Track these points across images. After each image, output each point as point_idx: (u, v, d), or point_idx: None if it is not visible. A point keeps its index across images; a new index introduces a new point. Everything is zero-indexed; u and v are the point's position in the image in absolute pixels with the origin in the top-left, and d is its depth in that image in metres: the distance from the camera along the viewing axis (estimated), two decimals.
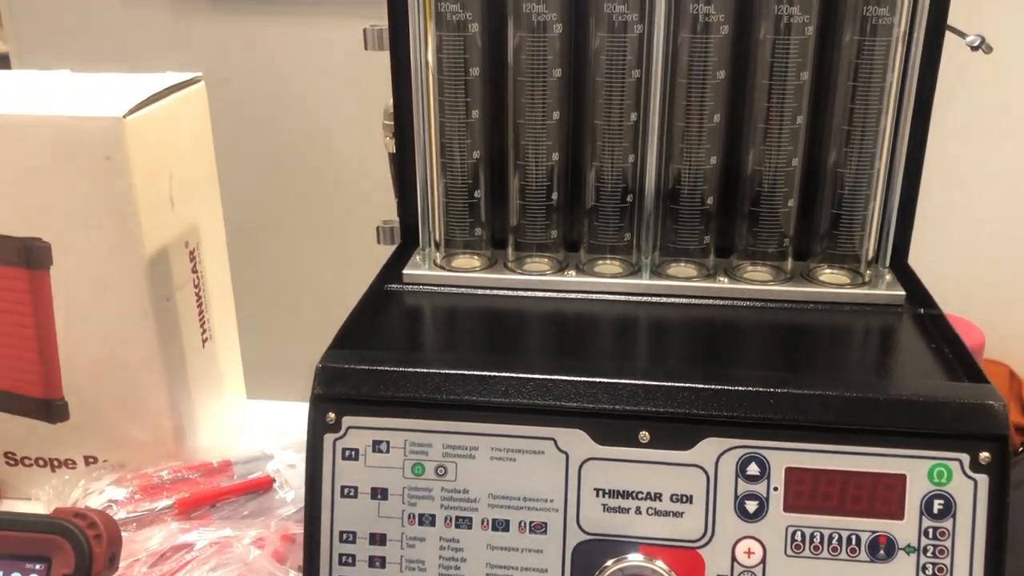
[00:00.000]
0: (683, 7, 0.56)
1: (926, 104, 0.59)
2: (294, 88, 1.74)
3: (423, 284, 0.62)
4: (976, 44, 0.57)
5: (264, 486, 0.75)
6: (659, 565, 0.48)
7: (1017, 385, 1.74)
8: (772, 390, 0.48)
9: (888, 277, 0.61)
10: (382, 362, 0.50)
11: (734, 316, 0.60)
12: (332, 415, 0.50)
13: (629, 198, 0.61)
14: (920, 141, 0.60)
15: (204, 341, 0.84)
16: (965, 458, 0.47)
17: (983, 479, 0.46)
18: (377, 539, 0.50)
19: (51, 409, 0.77)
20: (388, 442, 0.50)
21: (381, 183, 0.74)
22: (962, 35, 0.58)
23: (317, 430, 0.50)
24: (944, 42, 0.59)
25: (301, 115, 1.76)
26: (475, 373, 0.50)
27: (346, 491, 0.50)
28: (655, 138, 0.58)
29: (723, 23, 0.56)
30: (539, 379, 0.49)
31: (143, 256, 0.71)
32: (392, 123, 0.66)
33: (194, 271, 0.81)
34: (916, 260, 0.65)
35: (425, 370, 0.50)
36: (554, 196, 0.61)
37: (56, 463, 0.80)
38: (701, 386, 0.48)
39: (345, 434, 0.50)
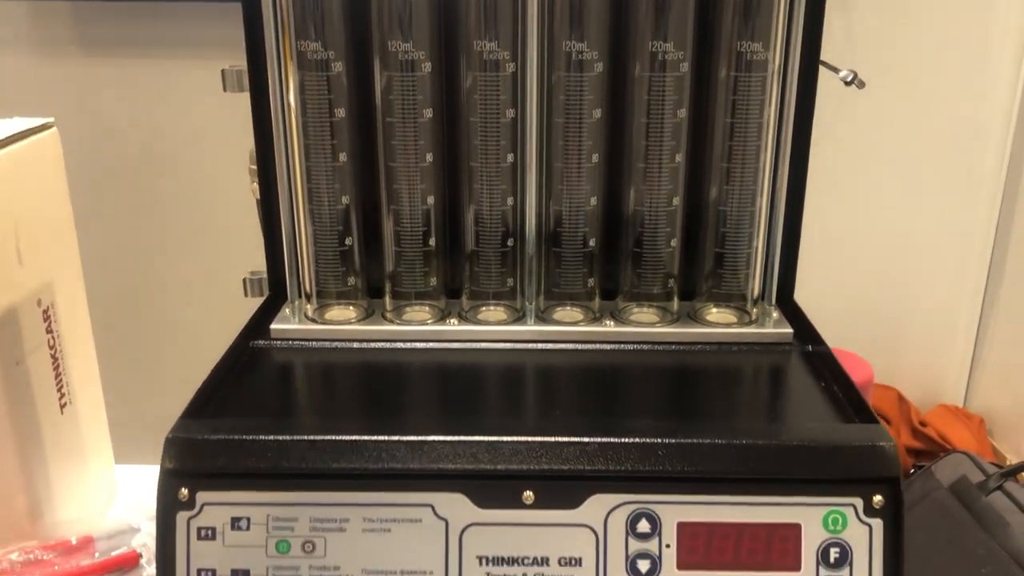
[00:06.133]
0: (556, 45, 0.54)
1: (804, 139, 0.59)
2: (162, 134, 1.68)
3: (292, 339, 0.58)
4: (849, 79, 0.57)
5: (130, 563, 0.69)
6: None
7: (906, 408, 1.79)
8: (660, 440, 0.45)
9: (775, 315, 0.60)
10: (240, 430, 0.46)
11: (621, 360, 0.58)
12: (185, 491, 0.45)
13: (510, 242, 0.58)
14: (800, 176, 0.59)
15: (63, 406, 0.77)
16: (859, 502, 0.45)
17: (877, 523, 0.45)
18: None
19: None
20: (249, 518, 0.45)
21: (252, 232, 0.69)
22: (835, 70, 0.58)
23: (169, 508, 0.45)
24: (819, 78, 0.59)
25: (169, 161, 1.70)
26: (342, 438, 0.46)
27: (203, 574, 0.45)
28: (534, 179, 0.56)
29: (597, 60, 0.54)
30: (413, 440, 0.46)
31: None
32: (257, 168, 0.61)
33: (49, 331, 0.74)
34: (801, 293, 0.64)
35: (287, 437, 0.46)
36: (431, 241, 0.58)
37: None
38: (587, 440, 0.46)
39: (200, 511, 0.45)
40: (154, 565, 0.71)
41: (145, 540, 0.72)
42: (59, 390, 0.76)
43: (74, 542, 0.71)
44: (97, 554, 0.71)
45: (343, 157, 0.56)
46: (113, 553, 0.70)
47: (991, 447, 1.74)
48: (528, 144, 0.55)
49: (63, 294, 0.77)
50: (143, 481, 0.87)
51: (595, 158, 0.56)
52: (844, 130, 1.68)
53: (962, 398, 1.87)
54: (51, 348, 0.75)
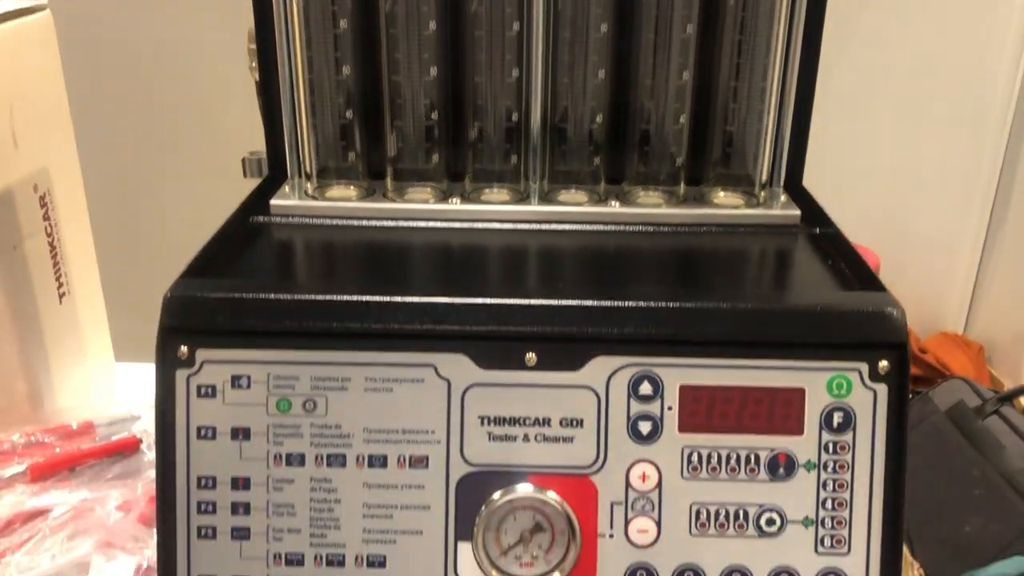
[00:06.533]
0: None
1: (819, 17, 0.57)
2: (158, 16, 1.63)
3: (292, 215, 0.57)
4: None
5: (130, 448, 0.69)
6: (549, 495, 0.45)
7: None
8: (664, 304, 0.45)
9: (783, 197, 0.59)
10: (240, 289, 0.45)
11: (627, 242, 0.57)
12: (184, 349, 0.45)
13: (515, 116, 0.57)
14: (812, 56, 0.58)
15: (61, 296, 0.77)
16: (864, 368, 0.44)
17: (882, 389, 0.44)
18: (240, 484, 0.45)
19: None
20: (249, 376, 0.45)
21: (250, 117, 0.68)
22: None
23: (168, 366, 0.45)
24: None
25: (165, 45, 1.65)
26: (344, 298, 0.45)
27: (203, 432, 0.45)
28: (540, 50, 0.55)
29: None
30: (416, 302, 0.45)
31: None
32: (256, 45, 0.60)
33: (46, 218, 0.74)
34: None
35: (288, 296, 0.45)
36: (434, 115, 0.57)
37: None
38: (590, 303, 0.45)
39: (200, 369, 0.45)
40: (155, 451, 0.71)
41: (145, 427, 0.72)
42: (57, 279, 0.76)
43: (75, 427, 0.71)
44: (99, 439, 0.71)
45: (343, 24, 0.55)
46: (113, 438, 0.70)
47: (989, 374, 1.75)
48: (535, 12, 0.54)
49: (60, 182, 0.76)
50: (143, 378, 0.87)
51: (603, 28, 0.55)
52: (852, 57, 1.65)
53: (962, 326, 1.87)
54: (48, 236, 0.74)
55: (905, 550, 1.34)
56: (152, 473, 0.69)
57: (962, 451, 1.50)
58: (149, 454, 0.70)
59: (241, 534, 0.45)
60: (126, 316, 0.93)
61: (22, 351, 0.72)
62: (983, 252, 1.85)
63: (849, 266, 0.51)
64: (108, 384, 0.85)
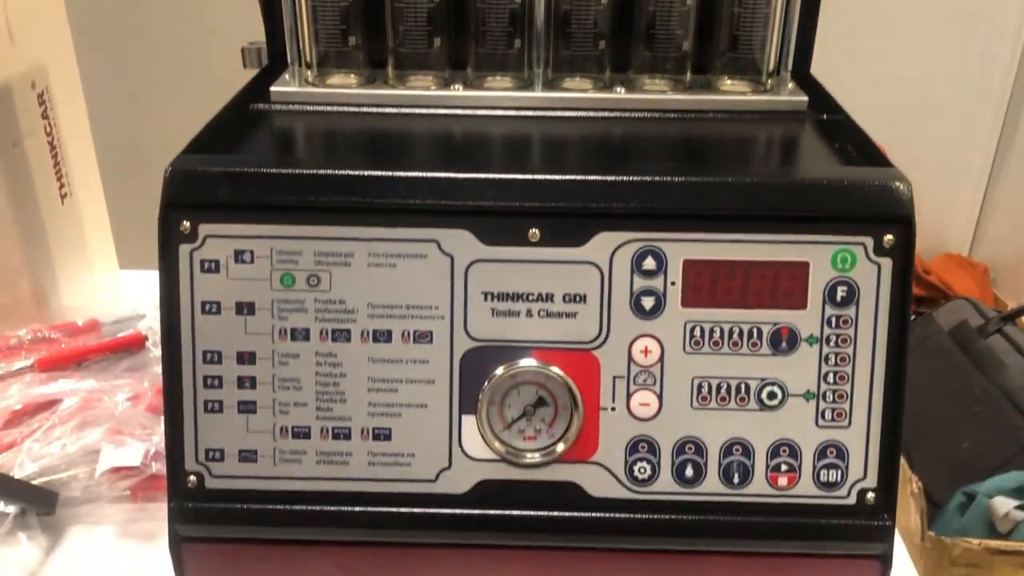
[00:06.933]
0: None
1: None
2: None
3: (293, 103, 0.57)
4: None
5: (136, 344, 0.70)
6: (552, 370, 0.45)
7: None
8: (668, 179, 0.45)
9: (790, 84, 0.58)
10: (243, 164, 0.45)
11: (632, 129, 0.56)
12: (187, 223, 0.45)
13: (518, 0, 0.56)
14: None
15: (63, 197, 0.76)
16: (869, 241, 0.44)
17: (887, 263, 0.44)
18: (245, 358, 0.45)
19: None
20: (252, 251, 0.45)
21: (250, 4, 0.66)
22: None
23: (171, 241, 0.45)
24: None
25: None
26: (348, 173, 0.45)
27: (207, 307, 0.45)
28: None
29: None
30: (419, 176, 0.45)
31: None
32: None
33: (45, 117, 0.73)
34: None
35: (291, 171, 0.45)
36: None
37: None
38: (593, 178, 0.45)
39: (203, 244, 0.45)
40: (160, 348, 0.72)
41: (151, 324, 0.72)
42: (59, 179, 0.75)
43: (80, 324, 0.71)
44: (105, 336, 0.71)
45: None
46: (119, 335, 0.70)
47: (993, 295, 1.75)
48: None
49: (58, 80, 0.75)
50: (148, 284, 0.87)
51: None
52: None
53: (968, 247, 1.86)
54: (48, 135, 0.74)
55: (904, 465, 1.35)
56: (159, 369, 0.70)
57: (964, 370, 1.51)
58: (155, 351, 0.70)
59: (248, 408, 0.46)
60: (129, 224, 0.93)
61: (26, 250, 0.72)
62: (991, 174, 1.83)
63: (856, 147, 0.51)
64: (113, 288, 0.85)
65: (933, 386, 1.52)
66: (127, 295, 0.86)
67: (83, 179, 0.79)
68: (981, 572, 1.25)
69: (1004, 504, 1.27)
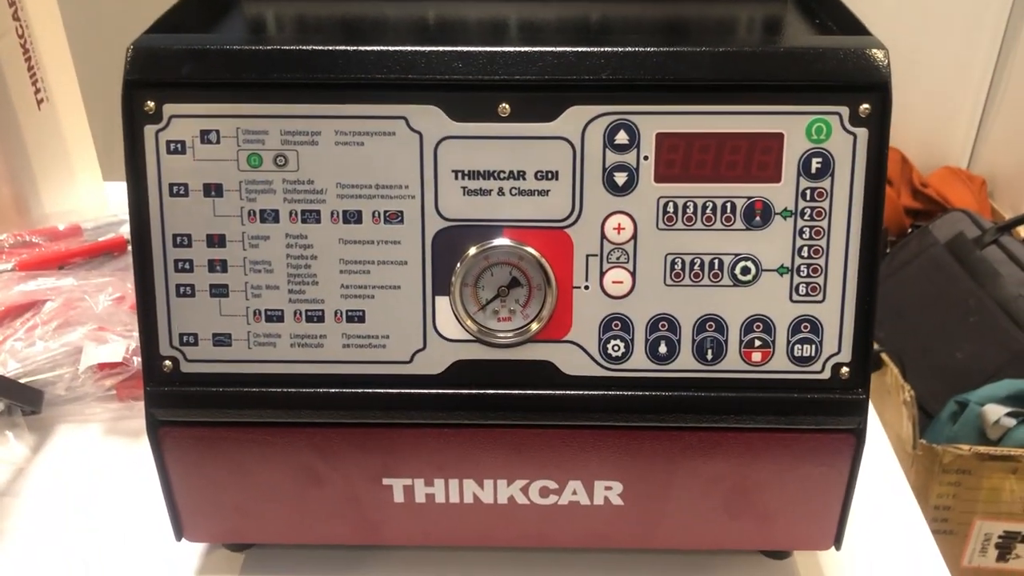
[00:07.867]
0: None
1: None
2: None
3: None
4: None
5: (118, 248, 0.70)
6: (526, 250, 0.45)
7: (908, 170, 1.77)
8: (640, 49, 0.43)
9: None
10: (207, 42, 0.44)
11: (609, 11, 0.55)
12: (151, 104, 0.44)
13: None
14: None
15: (40, 102, 0.75)
16: (844, 111, 0.43)
17: (863, 133, 0.44)
18: (215, 240, 0.45)
19: None
20: (218, 131, 0.44)
21: None
22: None
23: (135, 122, 0.44)
24: None
25: None
26: (312, 48, 0.44)
27: (175, 189, 0.45)
28: None
29: None
30: (385, 50, 0.44)
31: None
32: None
33: (16, 18, 0.72)
34: None
35: (256, 47, 0.44)
36: None
37: None
38: (564, 49, 0.44)
39: (168, 124, 0.44)
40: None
41: None
42: (34, 84, 0.74)
43: (62, 228, 0.71)
44: (85, 240, 0.71)
45: None
46: (101, 239, 0.70)
47: (991, 208, 1.74)
48: None
49: None
50: None
51: None
52: None
53: (966, 161, 1.84)
54: (20, 37, 0.72)
55: (896, 374, 1.35)
56: None
57: (959, 281, 1.51)
58: None
59: (220, 291, 0.46)
60: (115, 137, 0.92)
61: (4, 155, 0.72)
62: (990, 87, 1.80)
63: (837, 21, 0.50)
64: (98, 199, 0.85)
65: (929, 297, 1.52)
66: (111, 205, 0.86)
67: (60, 85, 0.78)
68: (971, 478, 1.26)
69: (995, 411, 1.28)
